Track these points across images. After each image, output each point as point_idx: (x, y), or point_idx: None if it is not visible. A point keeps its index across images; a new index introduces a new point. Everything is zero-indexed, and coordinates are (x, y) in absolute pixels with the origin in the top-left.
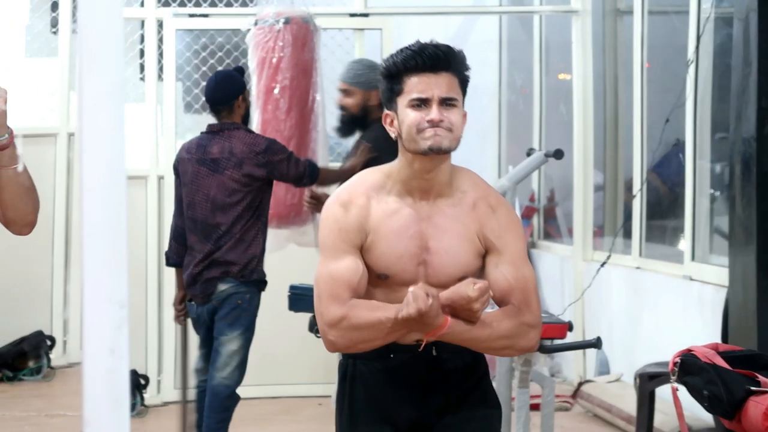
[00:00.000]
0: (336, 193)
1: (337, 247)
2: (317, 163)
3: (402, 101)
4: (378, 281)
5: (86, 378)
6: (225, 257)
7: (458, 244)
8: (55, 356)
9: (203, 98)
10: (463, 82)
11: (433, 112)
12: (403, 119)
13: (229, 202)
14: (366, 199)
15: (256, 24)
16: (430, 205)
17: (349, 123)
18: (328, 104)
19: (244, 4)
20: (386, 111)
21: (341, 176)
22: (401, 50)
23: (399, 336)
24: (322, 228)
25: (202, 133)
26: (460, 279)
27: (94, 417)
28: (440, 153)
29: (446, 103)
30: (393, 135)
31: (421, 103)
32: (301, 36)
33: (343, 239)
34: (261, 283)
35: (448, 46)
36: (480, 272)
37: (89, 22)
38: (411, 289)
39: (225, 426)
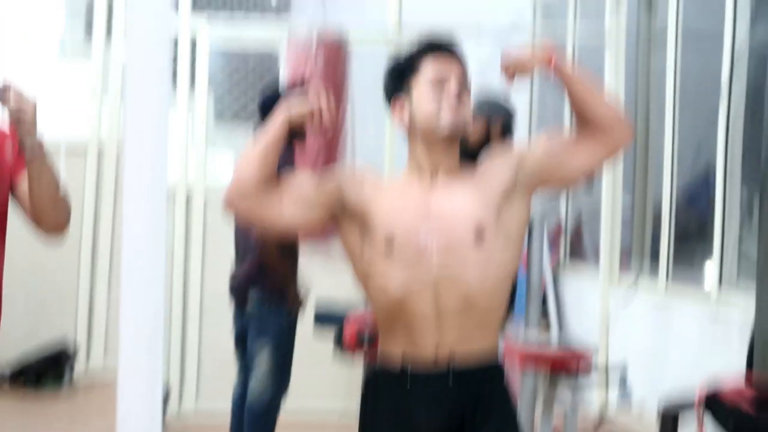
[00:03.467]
0: None
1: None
2: None
3: (417, 81)
4: (387, 255)
5: (121, 390)
6: (253, 266)
7: (471, 200)
8: (79, 366)
9: (234, 108)
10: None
11: (453, 89)
12: (419, 100)
13: None
14: (378, 177)
15: (289, 38)
16: (440, 182)
17: (464, 152)
18: (359, 121)
19: (279, 17)
20: (395, 98)
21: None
22: (414, 42)
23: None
24: None
25: None
26: (475, 231)
27: (128, 420)
28: (456, 134)
29: (460, 87)
30: (401, 122)
31: (440, 84)
32: (333, 54)
33: (330, 178)
34: (286, 295)
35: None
36: (497, 223)
37: (137, 35)
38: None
39: None
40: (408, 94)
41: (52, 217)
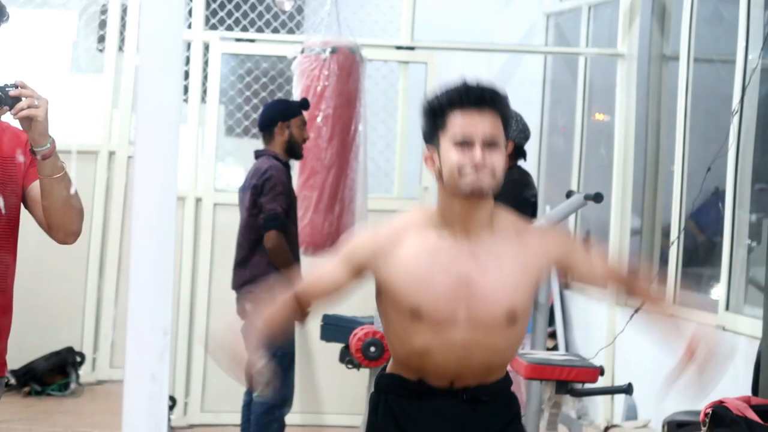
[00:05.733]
0: (379, 224)
1: (337, 256)
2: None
3: (444, 138)
4: (412, 321)
5: (126, 402)
6: (245, 276)
7: (508, 280)
8: (84, 373)
9: (245, 122)
10: (506, 121)
11: (477, 155)
12: (445, 159)
13: (245, 225)
14: (402, 232)
15: (302, 52)
16: (472, 242)
17: None
18: (371, 134)
19: (290, 32)
20: (427, 147)
21: (283, 264)
22: (446, 87)
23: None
24: (349, 239)
25: None
26: (507, 315)
27: (133, 427)
28: (481, 196)
29: (489, 143)
30: (433, 173)
31: (465, 144)
32: (347, 66)
33: (346, 252)
34: None
35: (492, 85)
36: (529, 306)
37: (150, 48)
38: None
39: None
40: (437, 147)
41: (66, 221)
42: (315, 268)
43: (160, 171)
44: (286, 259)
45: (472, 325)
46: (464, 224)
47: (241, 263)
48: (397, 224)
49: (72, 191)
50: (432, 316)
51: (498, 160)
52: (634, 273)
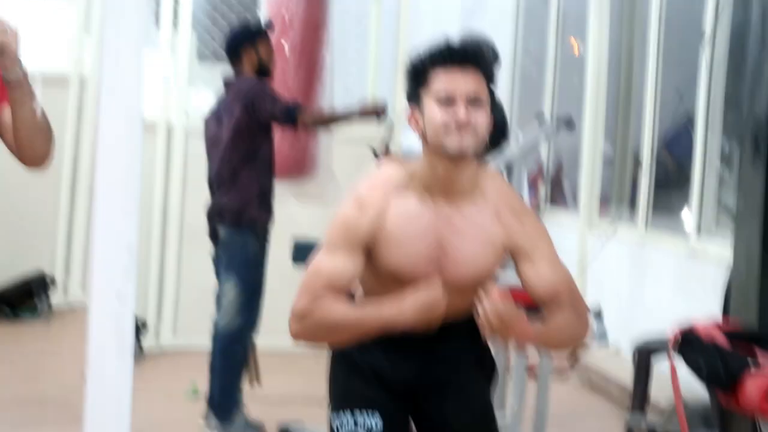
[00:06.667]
0: (355, 190)
1: (336, 245)
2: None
3: (427, 95)
4: (390, 280)
5: (91, 321)
6: (220, 202)
7: (478, 250)
8: (56, 297)
9: (214, 48)
10: (490, 79)
11: (460, 112)
12: (428, 117)
13: (224, 148)
14: (384, 198)
15: None
16: (451, 208)
17: None
18: (340, 61)
19: None
20: (410, 106)
21: (333, 120)
22: (428, 45)
23: (367, 334)
24: (332, 222)
25: None
26: (475, 281)
27: (98, 360)
28: (465, 157)
29: (473, 101)
30: (416, 133)
31: (448, 101)
32: None
33: (345, 239)
34: (253, 227)
35: (476, 42)
36: (495, 270)
37: None
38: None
39: (228, 370)
40: (419, 106)
41: (36, 147)
42: (322, 266)
43: (126, 89)
44: (328, 119)
45: (445, 285)
46: (446, 187)
47: (223, 189)
48: (379, 192)
49: (41, 116)
50: (409, 278)
51: (482, 119)
52: (561, 313)
